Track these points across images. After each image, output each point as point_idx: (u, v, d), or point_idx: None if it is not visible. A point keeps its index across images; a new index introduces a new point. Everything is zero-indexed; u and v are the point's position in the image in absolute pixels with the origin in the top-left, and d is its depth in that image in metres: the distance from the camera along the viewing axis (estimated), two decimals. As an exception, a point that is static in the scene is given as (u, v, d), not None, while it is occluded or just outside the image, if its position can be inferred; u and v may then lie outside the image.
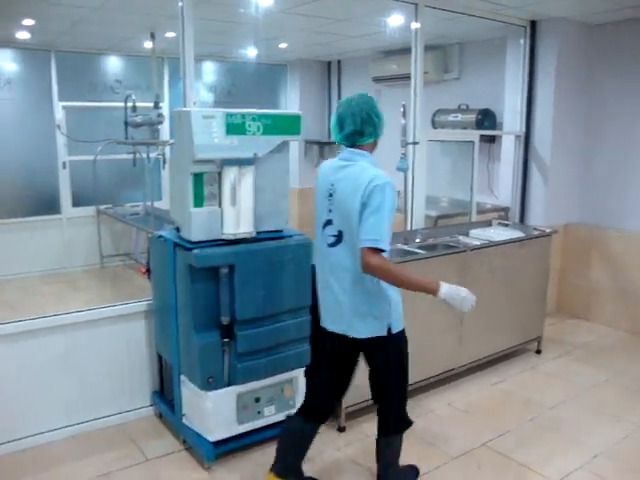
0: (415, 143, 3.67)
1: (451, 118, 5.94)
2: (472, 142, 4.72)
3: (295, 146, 7.98)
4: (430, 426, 3.38)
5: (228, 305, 2.78)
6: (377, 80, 6.99)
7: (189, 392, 2.99)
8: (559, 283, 5.31)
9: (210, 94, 7.77)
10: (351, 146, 2.42)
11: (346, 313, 2.40)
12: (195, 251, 2.66)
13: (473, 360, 3.96)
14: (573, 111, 5.08)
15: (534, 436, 3.31)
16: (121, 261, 7.04)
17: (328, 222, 2.41)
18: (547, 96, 4.92)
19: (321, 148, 8.08)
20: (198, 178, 2.67)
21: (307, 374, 2.84)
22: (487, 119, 5.66)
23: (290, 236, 2.97)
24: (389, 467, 2.65)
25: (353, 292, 2.38)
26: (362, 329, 2.40)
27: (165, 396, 3.38)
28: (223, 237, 2.75)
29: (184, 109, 2.76)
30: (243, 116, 2.68)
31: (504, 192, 5.40)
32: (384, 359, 2.48)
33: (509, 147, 5.27)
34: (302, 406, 2.70)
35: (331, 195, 2.38)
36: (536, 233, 4.28)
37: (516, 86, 5.11)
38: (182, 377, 3.03)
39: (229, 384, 2.89)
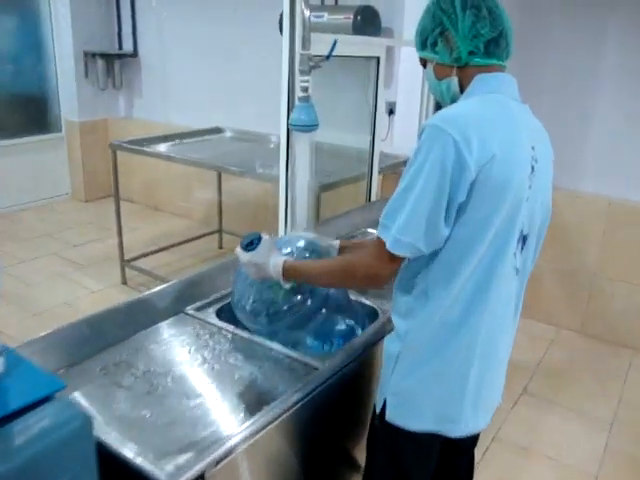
0: (328, 56, 1.63)
1: (314, 19, 3.86)
2: (376, 58, 2.79)
3: (69, 60, 5.39)
4: None
5: None
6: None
7: None
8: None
9: None
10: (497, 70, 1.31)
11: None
12: None
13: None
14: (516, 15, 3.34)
15: None
16: None
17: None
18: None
19: (109, 63, 5.51)
20: None
21: None
22: (368, 22, 3.74)
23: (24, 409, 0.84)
24: None
25: None
26: None
27: None
28: None
29: None
30: None
31: (402, 135, 3.61)
32: None
33: (411, 67, 3.40)
34: None
35: (533, 170, 1.27)
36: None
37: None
38: None
39: None
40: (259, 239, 1.46)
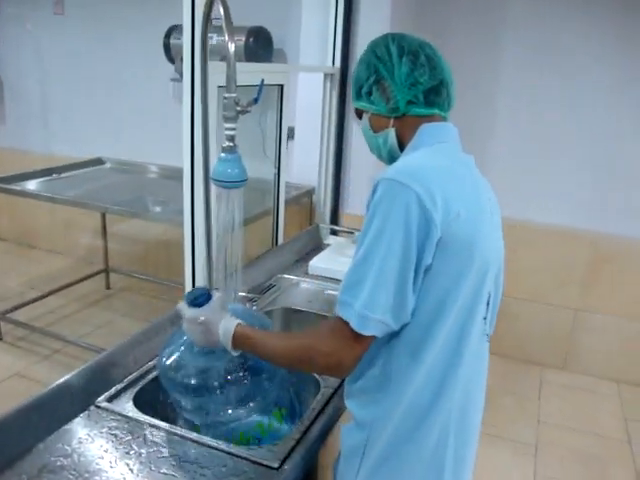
0: (257, 99, 1.37)
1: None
2: (280, 86, 2.63)
3: None
4: None
5: None
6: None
7: None
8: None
9: None
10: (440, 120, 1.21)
11: None
12: None
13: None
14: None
15: None
16: None
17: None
18: (379, 8, 3.02)
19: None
20: None
21: None
22: (261, 45, 3.57)
23: None
24: None
25: None
26: None
27: None
28: None
29: None
30: None
31: (302, 161, 3.46)
32: None
33: (311, 92, 3.27)
34: None
35: (492, 223, 1.20)
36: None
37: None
38: None
39: None
40: (208, 296, 1.23)
